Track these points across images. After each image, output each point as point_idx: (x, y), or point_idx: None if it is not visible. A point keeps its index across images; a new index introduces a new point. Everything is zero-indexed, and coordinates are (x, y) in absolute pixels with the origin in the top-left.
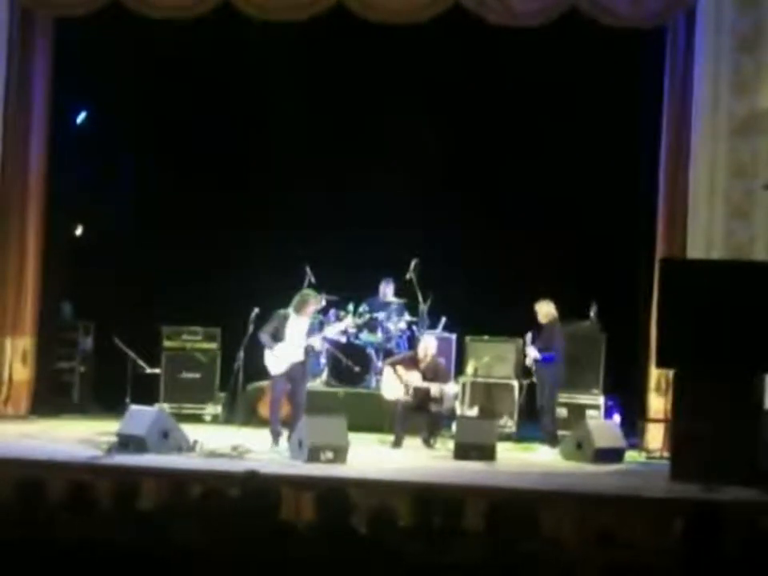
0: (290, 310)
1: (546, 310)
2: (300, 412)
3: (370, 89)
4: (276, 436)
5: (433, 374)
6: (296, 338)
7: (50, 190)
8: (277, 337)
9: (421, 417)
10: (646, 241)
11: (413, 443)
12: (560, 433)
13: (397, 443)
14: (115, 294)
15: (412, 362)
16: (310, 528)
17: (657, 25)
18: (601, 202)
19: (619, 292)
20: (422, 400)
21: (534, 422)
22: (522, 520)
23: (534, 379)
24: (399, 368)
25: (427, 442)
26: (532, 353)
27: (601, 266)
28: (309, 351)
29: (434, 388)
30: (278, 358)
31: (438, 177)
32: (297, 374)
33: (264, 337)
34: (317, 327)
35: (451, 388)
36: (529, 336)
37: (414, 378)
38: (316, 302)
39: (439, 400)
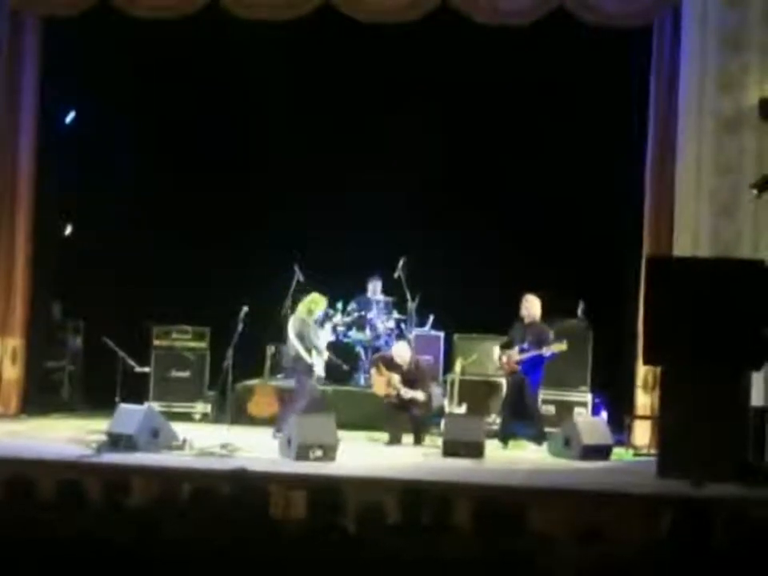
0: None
1: (538, 306)
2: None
3: (361, 88)
4: None
5: (413, 379)
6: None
7: (38, 190)
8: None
9: (407, 416)
10: (633, 239)
11: (401, 440)
12: (547, 430)
13: (390, 441)
14: (104, 294)
15: (393, 365)
16: (299, 525)
17: (643, 23)
18: (588, 201)
19: (606, 290)
20: (403, 401)
21: (523, 422)
22: (509, 517)
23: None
24: (382, 367)
25: (417, 440)
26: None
27: (588, 264)
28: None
29: (410, 394)
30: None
31: (425, 176)
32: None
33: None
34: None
35: (434, 389)
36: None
37: (395, 379)
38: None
39: (420, 404)
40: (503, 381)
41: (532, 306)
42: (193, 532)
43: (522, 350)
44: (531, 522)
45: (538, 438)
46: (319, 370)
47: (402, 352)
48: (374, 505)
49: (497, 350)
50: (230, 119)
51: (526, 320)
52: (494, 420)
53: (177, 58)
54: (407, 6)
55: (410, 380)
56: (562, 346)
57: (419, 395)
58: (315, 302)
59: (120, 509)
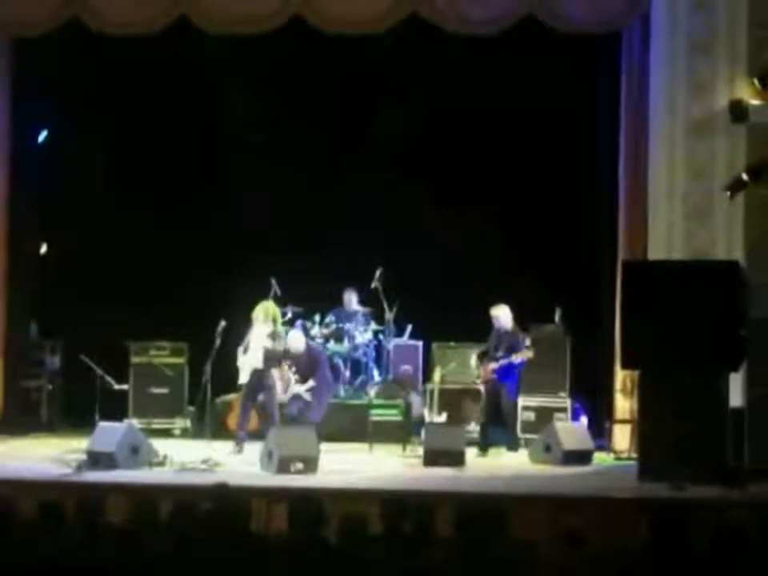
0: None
1: (509, 314)
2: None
3: (333, 103)
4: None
5: (306, 368)
6: (256, 346)
7: (13, 209)
8: (246, 348)
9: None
10: (609, 244)
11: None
12: (527, 436)
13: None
14: (81, 312)
15: (288, 356)
16: (282, 538)
17: (612, 30)
18: (563, 207)
19: (583, 295)
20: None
21: (501, 428)
22: (491, 524)
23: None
24: (284, 365)
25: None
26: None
27: (564, 270)
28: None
29: (295, 389)
30: (242, 367)
31: (400, 184)
32: (262, 382)
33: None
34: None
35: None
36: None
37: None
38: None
39: (304, 401)
40: (482, 389)
41: (502, 317)
42: (175, 548)
43: (496, 359)
44: (513, 529)
45: (513, 445)
46: (243, 376)
47: (294, 341)
48: (355, 516)
49: (475, 360)
50: (205, 134)
51: (501, 329)
52: (474, 428)
53: (149, 73)
54: (377, 17)
55: (302, 370)
56: (529, 354)
57: (304, 392)
58: (267, 310)
59: (101, 527)
